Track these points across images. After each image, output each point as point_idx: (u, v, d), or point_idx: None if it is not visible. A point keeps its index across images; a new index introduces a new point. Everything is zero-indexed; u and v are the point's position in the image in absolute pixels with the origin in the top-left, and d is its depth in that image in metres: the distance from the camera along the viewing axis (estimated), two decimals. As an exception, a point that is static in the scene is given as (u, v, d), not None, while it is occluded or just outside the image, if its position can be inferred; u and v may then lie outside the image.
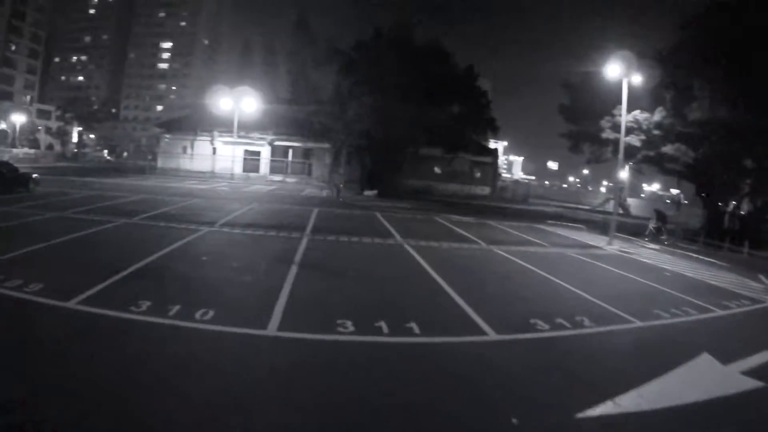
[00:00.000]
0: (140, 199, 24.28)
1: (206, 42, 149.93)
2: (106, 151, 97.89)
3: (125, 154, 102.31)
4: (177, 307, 7.77)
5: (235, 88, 50.12)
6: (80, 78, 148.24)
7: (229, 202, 25.36)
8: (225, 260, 11.93)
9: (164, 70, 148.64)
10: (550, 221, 26.19)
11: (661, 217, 27.43)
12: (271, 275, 10.72)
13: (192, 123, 55.72)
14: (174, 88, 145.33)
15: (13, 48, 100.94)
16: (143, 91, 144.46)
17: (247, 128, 50.54)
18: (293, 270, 11.23)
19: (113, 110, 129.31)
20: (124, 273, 9.67)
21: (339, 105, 43.25)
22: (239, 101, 48.25)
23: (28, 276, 8.63)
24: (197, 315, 7.53)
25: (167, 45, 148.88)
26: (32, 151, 78.86)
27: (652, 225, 27.00)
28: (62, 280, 8.67)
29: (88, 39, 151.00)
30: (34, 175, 26.13)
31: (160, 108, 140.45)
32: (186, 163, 52.89)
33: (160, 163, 55.69)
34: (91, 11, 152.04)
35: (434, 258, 13.98)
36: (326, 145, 49.83)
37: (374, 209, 27.08)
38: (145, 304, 7.80)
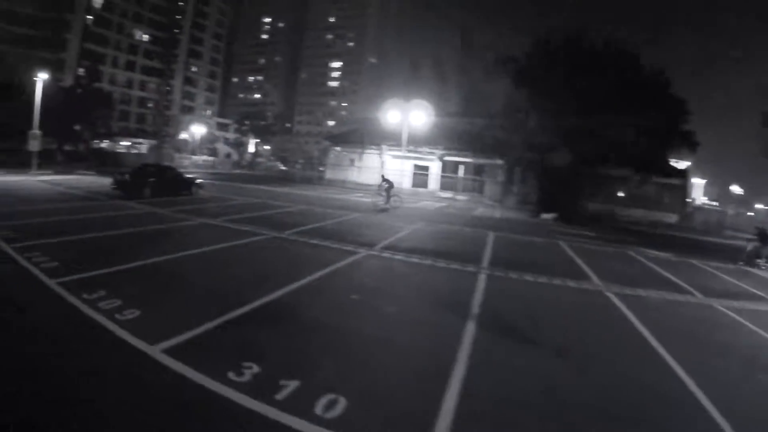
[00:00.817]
0: (300, 210, 24.01)
1: (373, 60, 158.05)
2: (279, 162, 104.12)
3: (297, 165, 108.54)
4: (293, 385, 5.61)
5: (404, 101, 49.68)
6: (257, 95, 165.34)
7: (395, 219, 23.62)
8: (378, 303, 9.26)
9: (334, 87, 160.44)
10: (760, 261, 21.30)
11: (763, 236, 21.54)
12: (438, 339, 7.67)
13: (361, 136, 56.54)
14: (344, 104, 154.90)
15: (194, 69, 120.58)
16: (314, 107, 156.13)
17: (416, 142, 49.80)
18: (469, 331, 8.09)
19: (287, 125, 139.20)
20: (244, 310, 7.99)
21: (513, 118, 40.39)
22: (408, 114, 47.64)
23: (124, 297, 8.11)
24: (318, 407, 5.25)
25: (336, 64, 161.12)
26: (211, 158, 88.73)
27: (750, 246, 21.44)
28: (161, 311, 7.64)
29: (262, 61, 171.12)
30: (198, 180, 27.65)
31: (331, 123, 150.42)
32: (353, 176, 53.53)
33: (328, 174, 57.25)
34: (264, 36, 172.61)
35: (650, 319, 10.07)
36: (499, 162, 47.41)
37: (556, 236, 24.05)
38: (250, 372, 5.82)
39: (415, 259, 13.81)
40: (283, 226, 17.40)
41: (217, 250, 12.77)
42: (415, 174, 52.39)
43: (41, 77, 37.34)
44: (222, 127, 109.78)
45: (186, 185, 26.71)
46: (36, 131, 35.64)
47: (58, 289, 8.26)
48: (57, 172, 40.83)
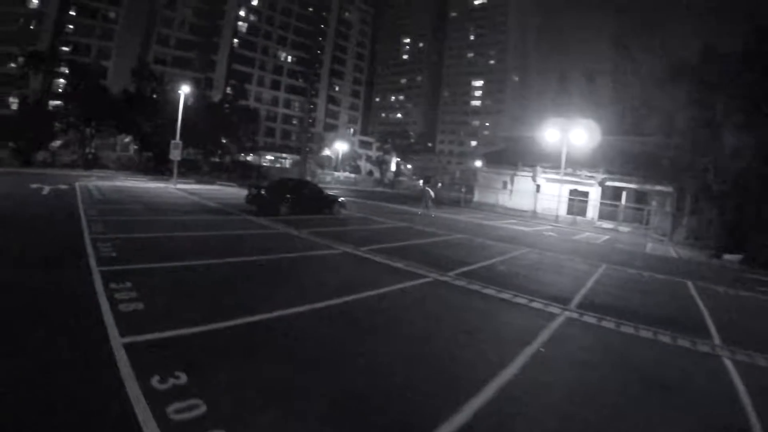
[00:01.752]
0: (457, 240, 21.12)
1: (516, 78, 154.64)
2: (421, 181, 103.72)
3: (439, 184, 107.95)
4: None
5: (556, 119, 46.06)
6: (398, 115, 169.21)
7: (570, 258, 19.51)
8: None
9: (476, 106, 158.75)
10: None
11: None
12: None
13: (512, 156, 53.48)
14: (487, 124, 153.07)
15: (337, 88, 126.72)
16: (456, 126, 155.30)
17: (573, 164, 45.83)
18: None
19: (429, 144, 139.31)
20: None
21: (699, 135, 34.38)
22: (567, 133, 43.85)
23: (217, 390, 5.34)
24: None
25: (478, 83, 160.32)
26: (353, 175, 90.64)
27: None
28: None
29: (403, 80, 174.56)
30: (341, 199, 26.53)
31: (473, 143, 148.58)
32: (504, 199, 50.71)
33: (476, 196, 54.71)
34: (405, 56, 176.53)
35: None
36: (668, 189, 41.93)
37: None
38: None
39: (627, 329, 9.57)
40: (444, 264, 14.20)
41: (362, 301, 9.58)
42: (571, 200, 48.10)
43: (184, 91, 39.03)
44: (364, 144, 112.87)
45: (327, 203, 25.48)
46: (177, 141, 37.43)
47: (121, 360, 5.70)
48: (198, 182, 42.57)
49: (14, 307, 7.13)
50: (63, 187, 27.61)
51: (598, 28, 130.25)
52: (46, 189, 25.54)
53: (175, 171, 38.13)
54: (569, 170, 45.63)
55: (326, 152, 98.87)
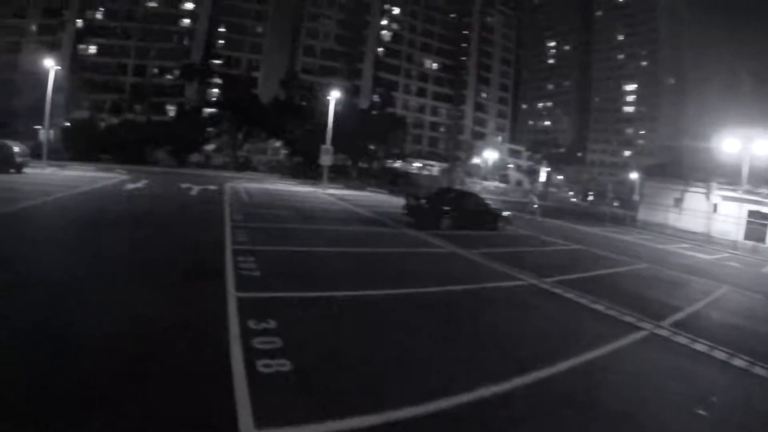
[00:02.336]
0: (642, 271, 16.60)
1: (672, 81, 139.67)
2: (571, 193, 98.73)
3: (590, 197, 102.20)
4: None
5: (731, 128, 39.72)
6: (546, 122, 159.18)
7: None
8: None
9: (629, 113, 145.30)
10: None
11: None
12: None
13: (677, 169, 47.20)
14: (642, 132, 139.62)
15: (484, 95, 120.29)
16: (609, 135, 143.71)
17: (754, 181, 39.18)
18: None
19: (578, 153, 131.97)
20: None
21: None
22: (748, 145, 37.54)
23: None
24: None
25: (630, 87, 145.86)
26: (502, 185, 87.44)
27: None
28: None
29: (550, 86, 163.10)
30: (505, 213, 23.17)
31: (627, 153, 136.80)
32: (672, 218, 44.36)
33: (640, 214, 49.04)
34: (551, 61, 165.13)
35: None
36: None
37: None
38: None
39: None
40: (650, 308, 10.49)
41: (574, 375, 6.24)
42: (750, 223, 40.35)
43: (333, 96, 38.27)
44: (513, 153, 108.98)
45: (491, 218, 22.57)
46: (328, 146, 36.31)
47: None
48: (347, 187, 41.80)
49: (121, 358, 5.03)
50: (212, 188, 27.14)
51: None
52: (195, 189, 25.11)
53: (325, 176, 37.35)
54: (748, 187, 39.24)
55: (476, 161, 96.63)
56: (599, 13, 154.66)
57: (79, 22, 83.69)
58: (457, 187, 48.37)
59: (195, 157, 55.95)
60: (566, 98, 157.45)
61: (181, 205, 19.41)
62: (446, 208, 20.47)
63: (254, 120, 54.53)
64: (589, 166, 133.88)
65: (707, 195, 41.16)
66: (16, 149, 25.80)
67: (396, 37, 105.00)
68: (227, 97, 58.20)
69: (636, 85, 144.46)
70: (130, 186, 24.26)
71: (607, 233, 30.58)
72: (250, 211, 18.70)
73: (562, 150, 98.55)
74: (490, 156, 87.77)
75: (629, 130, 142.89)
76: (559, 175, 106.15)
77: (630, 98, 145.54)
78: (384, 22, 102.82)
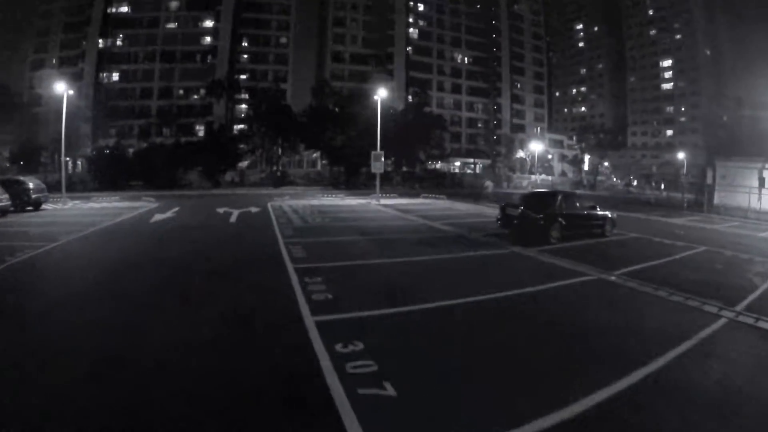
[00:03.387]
0: None
1: (708, 53, 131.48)
2: (617, 180, 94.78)
3: (634, 182, 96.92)
4: None
5: None
6: (582, 108, 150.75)
7: None
8: None
9: (668, 90, 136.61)
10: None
11: None
12: None
13: (746, 146, 42.01)
14: (683, 108, 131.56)
15: (518, 86, 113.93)
16: (648, 115, 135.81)
17: None
18: None
19: (619, 137, 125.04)
20: None
21: None
22: None
23: None
24: None
25: (667, 63, 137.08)
26: (549, 177, 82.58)
27: None
28: None
29: (583, 71, 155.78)
30: (610, 214, 18.30)
31: (669, 132, 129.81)
32: (754, 201, 38.54)
33: (717, 198, 43.30)
34: (580, 44, 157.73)
35: None
36: None
37: None
38: None
39: None
40: None
41: None
42: None
43: (381, 96, 33.79)
44: (554, 143, 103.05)
45: (599, 221, 18.13)
46: (379, 152, 31.86)
47: None
48: (401, 195, 37.45)
49: None
50: (254, 210, 23.26)
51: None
52: (234, 214, 21.17)
53: (378, 185, 32.98)
54: None
55: (520, 154, 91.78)
56: None
57: (100, 48, 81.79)
58: (559, 187, 43.58)
59: (229, 176, 52.36)
60: (600, 81, 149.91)
61: (218, 242, 14.97)
62: (553, 214, 15.99)
63: (289, 131, 50.86)
64: (631, 150, 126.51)
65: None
66: (30, 185, 22.81)
67: (424, 34, 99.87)
68: (258, 109, 54.53)
69: (672, 60, 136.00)
70: (159, 217, 20.19)
71: (695, 224, 25.29)
72: (308, 241, 14.58)
73: (605, 135, 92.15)
74: (536, 148, 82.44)
75: (669, 108, 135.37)
76: (604, 161, 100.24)
77: (667, 74, 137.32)
78: (410, 20, 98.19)
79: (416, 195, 38.36)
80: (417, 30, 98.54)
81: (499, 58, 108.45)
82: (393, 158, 56.26)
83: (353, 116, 50.57)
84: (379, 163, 31.37)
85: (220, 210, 22.91)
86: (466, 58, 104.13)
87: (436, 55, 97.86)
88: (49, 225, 17.23)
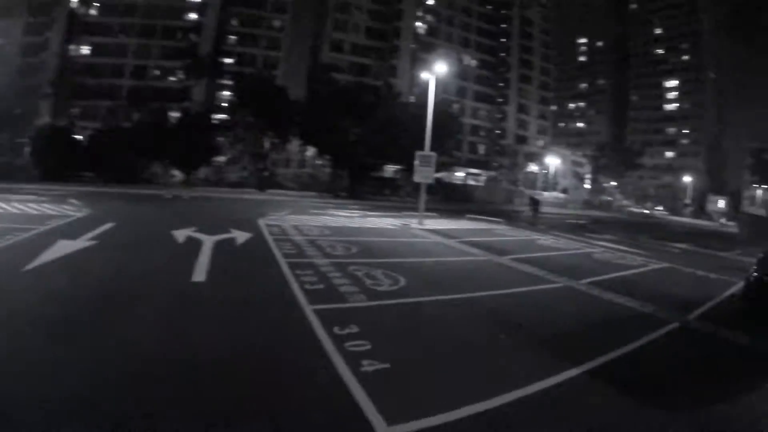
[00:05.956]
0: None
1: (713, 76, 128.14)
2: (626, 201, 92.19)
3: (659, 207, 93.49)
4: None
5: None
6: (579, 124, 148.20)
7: None
8: None
9: (671, 111, 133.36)
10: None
11: None
12: None
13: None
14: (685, 131, 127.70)
15: (525, 96, 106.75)
16: (649, 135, 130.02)
17: None
18: None
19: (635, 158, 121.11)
20: None
21: None
22: None
23: None
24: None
25: (671, 83, 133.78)
26: (562, 195, 75.66)
27: None
28: None
29: (583, 85, 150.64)
30: None
31: (669, 154, 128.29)
32: None
33: None
34: (582, 58, 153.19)
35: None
36: None
37: None
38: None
39: None
40: None
41: None
42: None
43: (435, 74, 23.24)
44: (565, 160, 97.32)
45: None
46: (429, 153, 21.37)
47: None
48: (442, 215, 27.26)
49: None
50: (239, 237, 13.21)
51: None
52: (205, 249, 11.01)
53: (422, 202, 21.99)
54: None
55: (531, 167, 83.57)
56: (633, 6, 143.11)
57: (71, 15, 70.88)
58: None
59: (204, 172, 42.70)
60: (600, 97, 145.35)
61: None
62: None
63: (282, 121, 40.85)
64: (640, 170, 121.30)
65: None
66: None
67: (432, 30, 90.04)
68: (244, 94, 43.85)
69: (677, 81, 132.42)
70: (49, 256, 9.17)
71: None
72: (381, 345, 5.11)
73: (624, 154, 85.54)
74: (553, 162, 74.35)
75: (671, 129, 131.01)
76: (611, 181, 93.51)
77: (671, 95, 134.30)
78: (419, 14, 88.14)
79: (455, 215, 28.92)
80: (426, 25, 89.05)
81: (507, 64, 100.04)
82: (404, 164, 47.08)
83: (371, 106, 40.70)
84: (427, 169, 21.00)
85: (181, 234, 12.79)
86: (473, 61, 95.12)
87: (443, 54, 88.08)
88: None
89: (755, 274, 8.88)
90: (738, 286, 10.83)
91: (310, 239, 13.82)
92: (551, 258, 14.27)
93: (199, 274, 8.57)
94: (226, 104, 57.48)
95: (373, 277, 9.25)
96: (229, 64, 71.74)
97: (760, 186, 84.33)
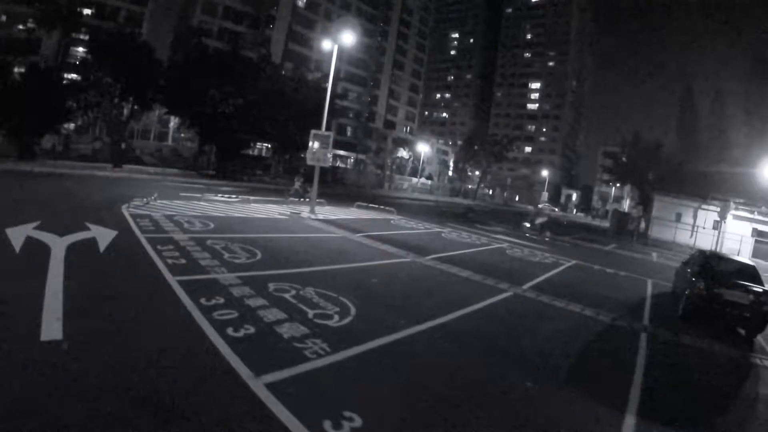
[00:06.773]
0: None
1: (574, 83, 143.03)
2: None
3: (489, 193, 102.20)
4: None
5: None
6: (444, 114, 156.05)
7: None
8: None
9: (532, 110, 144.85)
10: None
11: None
12: None
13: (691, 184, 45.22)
14: (544, 129, 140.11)
15: (396, 82, 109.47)
16: (510, 130, 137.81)
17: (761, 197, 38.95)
18: None
19: (475, 147, 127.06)
20: None
21: None
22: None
23: None
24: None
25: (535, 86, 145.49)
26: (429, 182, 76.86)
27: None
28: None
29: (450, 78, 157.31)
30: None
31: (528, 149, 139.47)
32: (682, 237, 40.23)
33: (653, 231, 43.07)
34: (452, 52, 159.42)
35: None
36: None
37: None
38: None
39: None
40: None
41: None
42: (757, 242, 38.13)
43: (341, 40, 22.28)
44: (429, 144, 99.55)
45: None
46: (326, 132, 20.47)
47: None
48: (330, 201, 25.68)
49: None
50: (98, 237, 9.95)
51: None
52: (58, 255, 8.07)
53: (315, 188, 20.14)
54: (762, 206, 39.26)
55: (401, 153, 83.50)
56: (509, 10, 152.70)
57: None
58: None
59: (48, 142, 36.34)
60: (467, 91, 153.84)
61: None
62: None
63: (147, 85, 36.19)
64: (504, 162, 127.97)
65: (721, 213, 34.27)
66: None
67: (312, 4, 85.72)
68: (100, 51, 38.02)
69: (541, 84, 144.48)
70: None
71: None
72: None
73: (495, 146, 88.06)
74: (423, 149, 74.92)
75: (531, 127, 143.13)
76: (476, 171, 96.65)
77: (533, 96, 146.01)
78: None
79: (341, 201, 27.72)
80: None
81: (383, 48, 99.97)
82: (275, 143, 44.76)
83: (248, 76, 37.40)
84: (322, 151, 19.38)
85: (18, 234, 9.15)
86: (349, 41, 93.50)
87: (321, 31, 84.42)
88: None
89: (696, 288, 9.31)
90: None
91: (196, 238, 11.30)
92: (468, 256, 14.13)
93: (51, 320, 5.41)
94: (80, 62, 51.40)
95: (315, 305, 7.35)
96: (87, 16, 63.60)
97: (611, 184, 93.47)
